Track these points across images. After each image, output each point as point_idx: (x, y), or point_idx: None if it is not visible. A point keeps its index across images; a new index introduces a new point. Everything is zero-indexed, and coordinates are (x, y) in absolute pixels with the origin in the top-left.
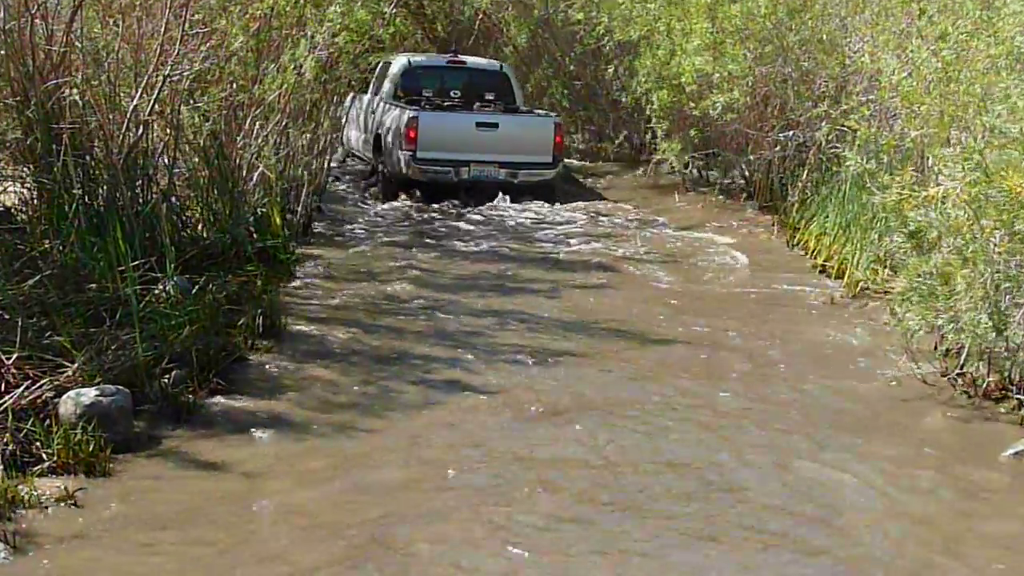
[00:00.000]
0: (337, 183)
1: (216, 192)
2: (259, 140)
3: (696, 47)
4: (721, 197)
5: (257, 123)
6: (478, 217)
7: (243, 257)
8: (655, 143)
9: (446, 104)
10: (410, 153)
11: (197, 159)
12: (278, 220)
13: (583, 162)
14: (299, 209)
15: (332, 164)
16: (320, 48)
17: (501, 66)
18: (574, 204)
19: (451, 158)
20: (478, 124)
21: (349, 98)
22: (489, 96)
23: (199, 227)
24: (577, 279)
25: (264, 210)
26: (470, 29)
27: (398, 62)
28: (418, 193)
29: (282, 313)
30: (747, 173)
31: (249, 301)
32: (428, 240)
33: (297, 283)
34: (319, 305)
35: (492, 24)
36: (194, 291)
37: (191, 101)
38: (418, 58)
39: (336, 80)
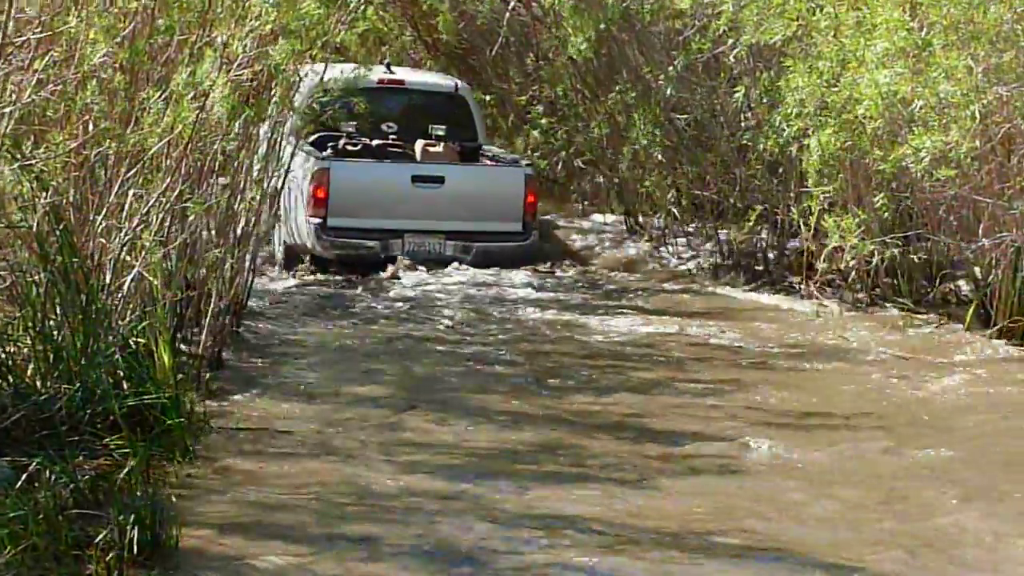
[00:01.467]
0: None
1: (59, 311)
2: (134, 221)
3: (883, 54)
4: (932, 313)
5: (131, 192)
6: (496, 326)
7: (106, 423)
8: (816, 222)
9: (375, 145)
10: (318, 221)
11: (27, 254)
12: (166, 357)
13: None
14: (203, 337)
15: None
16: (240, 64)
17: (456, 86)
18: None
19: (377, 227)
20: (415, 178)
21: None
22: (438, 130)
23: (29, 372)
24: (678, 454)
25: (143, 340)
26: (494, 28)
27: (306, 80)
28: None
29: (172, 520)
30: (978, 272)
31: (115, 500)
32: (415, 375)
33: (199, 466)
34: (237, 503)
35: (534, 19)
36: (19, 484)
37: (16, 156)
38: (336, 72)
39: (265, 117)
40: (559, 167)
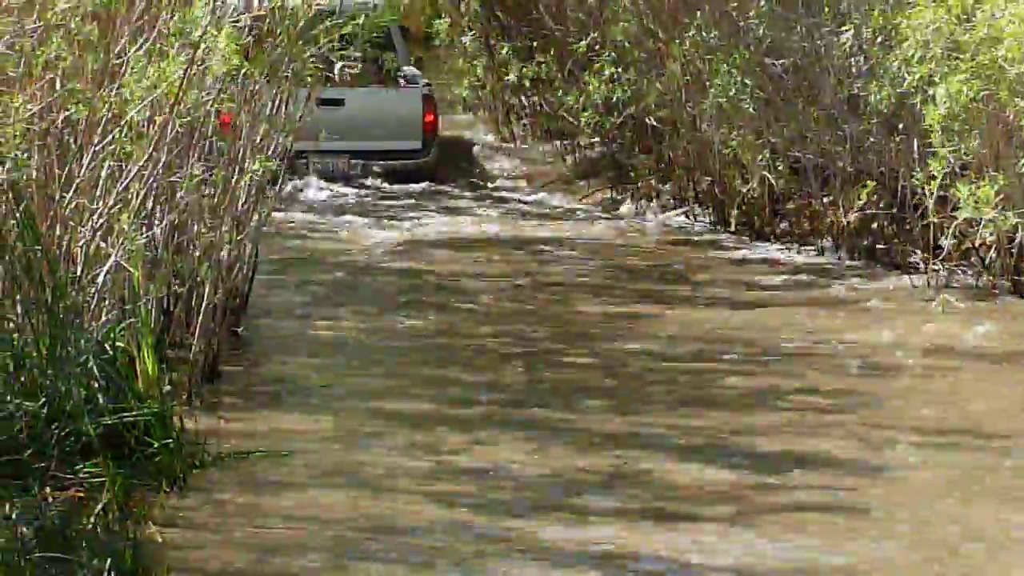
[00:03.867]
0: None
1: (20, 310)
2: (110, 201)
3: None
4: None
5: (106, 165)
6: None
7: (77, 445)
8: (939, 189)
9: None
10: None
11: None
12: (151, 365)
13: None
14: (195, 340)
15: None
16: (240, 8)
17: (375, 5)
18: None
19: None
20: (318, 101)
21: None
22: (355, 51)
23: None
24: (782, 486)
25: (122, 345)
26: None
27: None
28: None
29: (157, 564)
30: None
31: (88, 540)
32: (450, 380)
33: (190, 497)
34: (235, 544)
35: None
36: None
37: None
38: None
39: (270, 70)
40: (626, 131)
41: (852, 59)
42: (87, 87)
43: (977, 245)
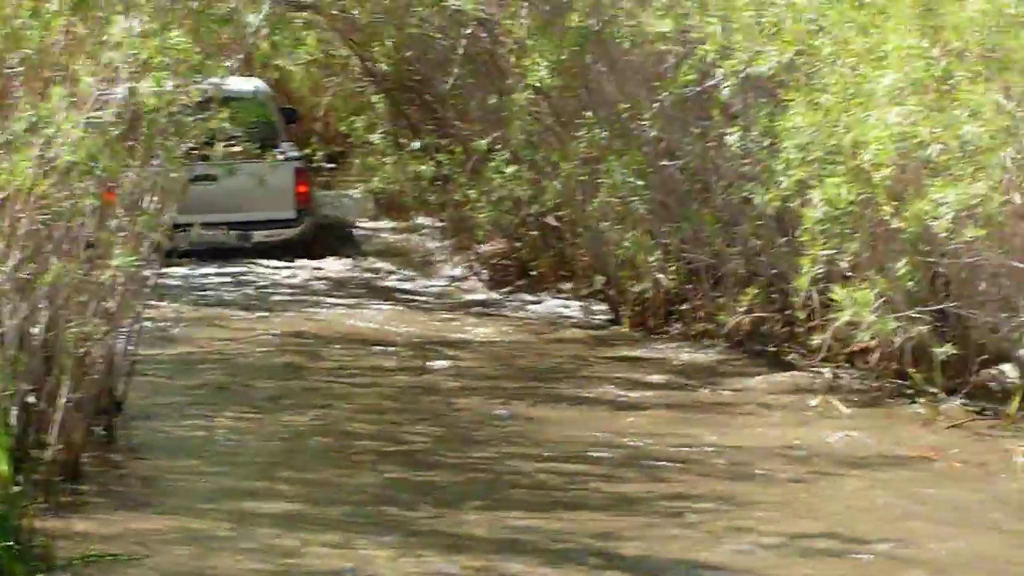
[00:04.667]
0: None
1: None
2: None
3: (894, 88)
4: (971, 405)
5: None
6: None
7: None
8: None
9: None
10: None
11: None
12: (3, 464)
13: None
14: (52, 438)
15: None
16: (98, 102)
17: (255, 91)
18: None
19: None
20: (193, 179)
21: None
22: (234, 132)
23: None
24: None
25: None
26: (447, 56)
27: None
28: None
29: None
30: None
31: None
32: (322, 482)
33: None
34: None
35: (493, 42)
36: None
37: None
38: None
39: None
40: (529, 229)
41: (741, 161)
42: None
43: (861, 348)
